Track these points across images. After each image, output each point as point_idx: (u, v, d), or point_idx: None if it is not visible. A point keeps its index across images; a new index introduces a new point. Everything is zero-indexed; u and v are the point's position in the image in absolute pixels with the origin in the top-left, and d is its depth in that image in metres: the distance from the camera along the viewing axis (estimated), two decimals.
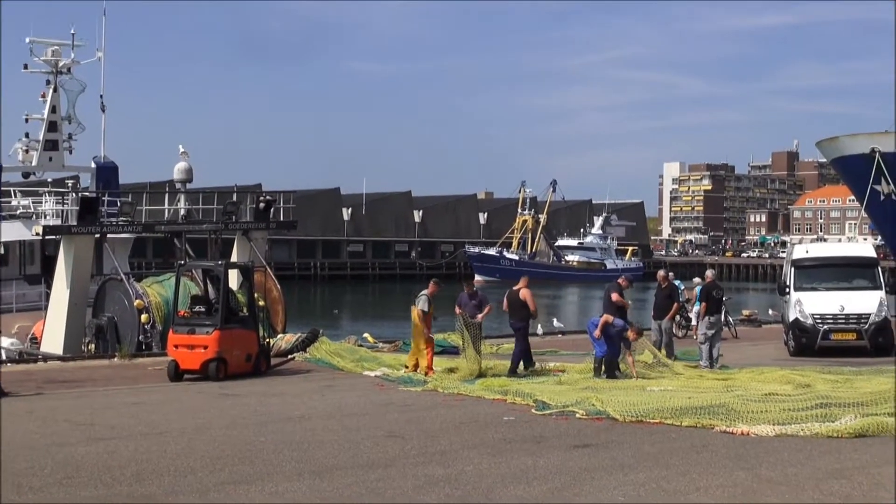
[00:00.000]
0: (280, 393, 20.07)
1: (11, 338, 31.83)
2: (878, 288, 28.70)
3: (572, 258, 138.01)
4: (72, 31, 37.55)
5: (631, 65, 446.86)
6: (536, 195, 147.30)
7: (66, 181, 37.34)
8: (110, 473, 12.07)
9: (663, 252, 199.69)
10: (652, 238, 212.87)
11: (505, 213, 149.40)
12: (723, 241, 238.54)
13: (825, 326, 27.56)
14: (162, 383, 21.85)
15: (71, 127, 38.02)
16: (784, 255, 44.19)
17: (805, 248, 31.71)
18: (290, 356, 26.21)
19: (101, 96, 38.55)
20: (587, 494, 11.02)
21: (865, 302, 27.89)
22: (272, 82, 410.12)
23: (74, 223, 31.45)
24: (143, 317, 29.53)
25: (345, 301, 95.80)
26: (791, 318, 28.23)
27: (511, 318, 23.31)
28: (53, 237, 32.51)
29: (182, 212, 35.87)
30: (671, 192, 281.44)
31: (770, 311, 43.15)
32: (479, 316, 22.78)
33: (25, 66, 37.46)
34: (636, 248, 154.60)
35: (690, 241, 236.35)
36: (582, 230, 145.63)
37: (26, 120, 38.07)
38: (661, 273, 26.72)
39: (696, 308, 28.33)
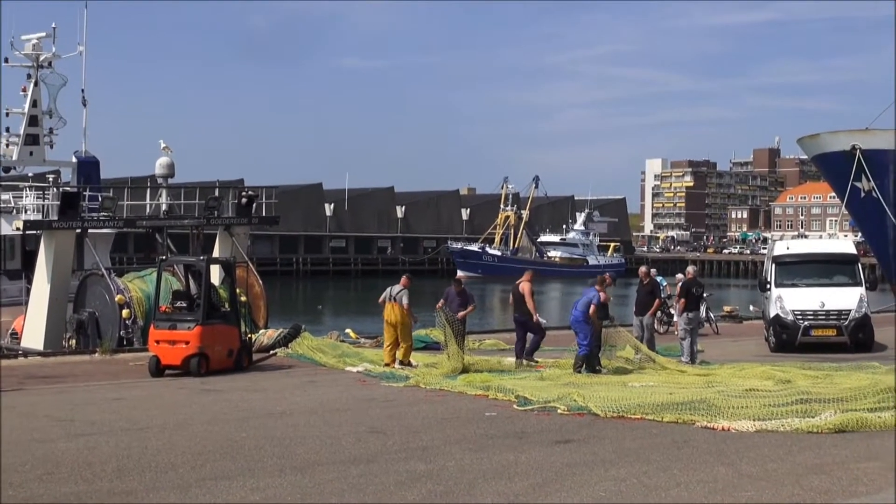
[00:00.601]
0: (262, 389, 20.04)
1: None
2: (858, 284, 28.85)
3: (554, 254, 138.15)
4: (53, 25, 37.34)
5: (614, 61, 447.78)
6: (519, 191, 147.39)
7: (47, 176, 37.02)
8: (91, 469, 12.04)
9: (645, 248, 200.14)
10: (634, 234, 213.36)
11: (487, 208, 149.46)
12: (704, 237, 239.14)
13: (806, 322, 27.69)
14: (143, 379, 21.78)
15: (52, 121, 37.78)
16: (765, 251, 44.30)
17: (786, 245, 31.84)
18: (271, 352, 26.17)
19: (83, 90, 38.39)
20: (568, 490, 11.05)
21: (846, 298, 28.03)
22: (255, 78, 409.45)
23: (55, 218, 31.27)
24: (125, 312, 29.41)
25: (327, 297, 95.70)
26: (772, 315, 28.34)
27: (515, 311, 23.48)
28: (34, 232, 32.32)
29: (164, 207, 35.74)
30: (653, 189, 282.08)
31: (751, 308, 43.28)
32: (460, 314, 22.94)
33: (6, 60, 37.24)
34: (618, 244, 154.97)
35: (672, 237, 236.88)
36: (564, 226, 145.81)
37: (7, 114, 37.83)
38: (642, 269, 26.79)
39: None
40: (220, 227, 34.81)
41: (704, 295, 32.37)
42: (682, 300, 24.86)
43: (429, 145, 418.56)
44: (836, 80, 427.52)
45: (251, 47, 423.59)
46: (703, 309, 31.47)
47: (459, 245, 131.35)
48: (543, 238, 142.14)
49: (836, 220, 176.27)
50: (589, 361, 21.79)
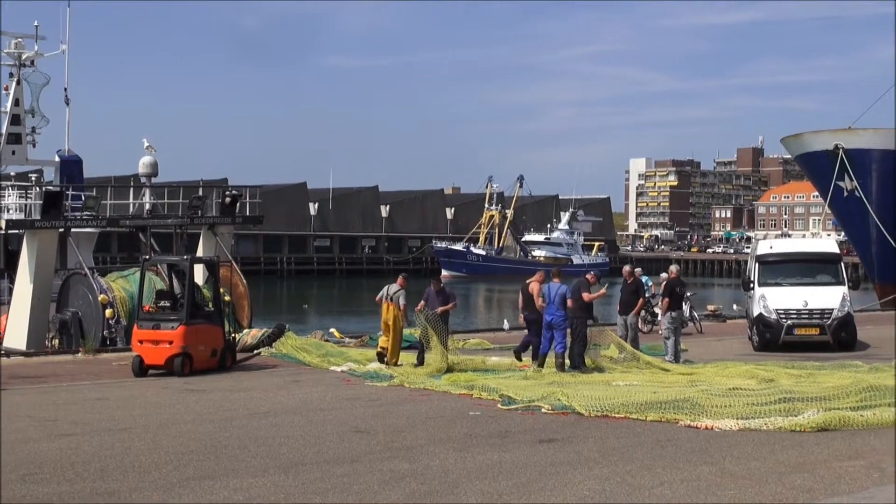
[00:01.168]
0: (246, 388, 20.01)
1: None
2: (840, 283, 28.95)
3: (539, 253, 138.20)
4: (35, 24, 37.17)
5: (598, 61, 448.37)
6: (503, 190, 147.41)
7: (30, 175, 36.90)
8: (73, 469, 12.00)
9: (629, 247, 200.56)
10: (618, 234, 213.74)
11: (472, 208, 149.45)
12: (688, 236, 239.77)
13: (789, 321, 27.76)
14: (126, 379, 21.71)
15: (34, 120, 37.59)
16: (749, 250, 44.46)
17: (769, 244, 31.91)
18: (255, 351, 26.13)
19: (66, 89, 38.19)
20: (552, 489, 11.06)
21: (828, 297, 28.12)
22: (239, 76, 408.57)
23: (38, 217, 31.16)
24: (108, 312, 29.34)
25: (311, 296, 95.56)
26: (755, 314, 28.42)
27: (525, 310, 23.50)
28: (17, 231, 32.19)
29: (147, 206, 35.65)
30: (637, 188, 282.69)
31: (734, 307, 43.46)
32: (440, 308, 22.93)
33: None
34: (602, 243, 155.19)
35: (656, 236, 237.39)
36: (549, 225, 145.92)
37: None
38: (626, 268, 26.83)
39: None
40: (204, 227, 34.73)
41: (688, 294, 32.49)
42: (666, 299, 24.91)
43: (413, 145, 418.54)
44: (819, 80, 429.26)
45: (236, 47, 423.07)
46: (686, 308, 31.59)
47: (444, 244, 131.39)
48: (528, 237, 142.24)
49: (819, 220, 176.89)
50: (573, 361, 21.91)
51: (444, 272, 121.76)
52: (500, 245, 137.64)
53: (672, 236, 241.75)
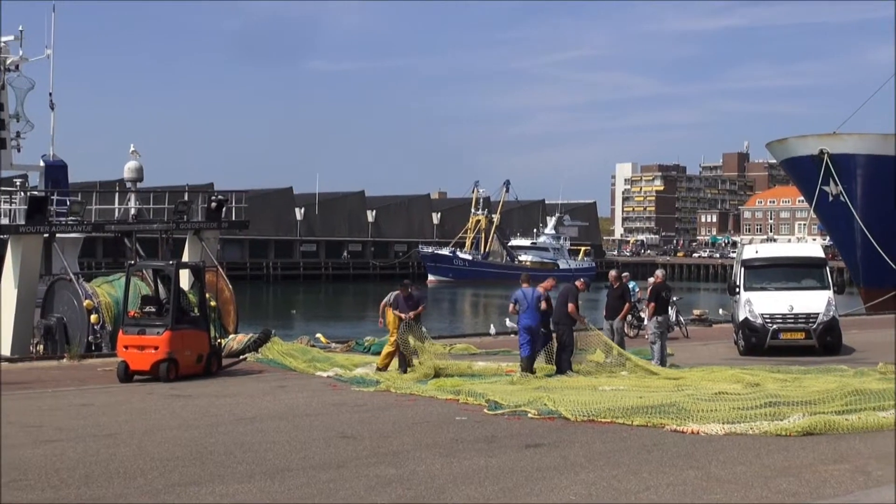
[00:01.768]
0: (232, 394, 19.95)
1: None
2: (826, 288, 29.04)
3: (525, 258, 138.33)
4: (20, 28, 37.07)
5: (584, 66, 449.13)
6: (490, 195, 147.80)
7: (14, 180, 36.83)
8: (58, 476, 11.94)
9: (615, 252, 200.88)
10: (605, 238, 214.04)
11: (458, 213, 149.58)
12: (674, 241, 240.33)
13: (774, 326, 27.82)
14: (112, 384, 21.64)
15: (19, 125, 37.47)
16: (734, 255, 44.59)
17: (755, 249, 32.00)
18: (241, 357, 26.08)
19: (51, 94, 38.13)
20: (539, 494, 11.05)
21: (814, 302, 28.20)
22: (225, 81, 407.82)
23: (23, 223, 31.06)
24: (93, 317, 29.25)
25: (297, 301, 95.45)
26: (741, 318, 28.48)
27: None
28: (1, 237, 32.08)
29: (132, 211, 35.58)
30: (623, 193, 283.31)
31: (720, 311, 43.54)
32: (411, 314, 22.89)
33: None
34: (589, 248, 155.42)
35: (641, 241, 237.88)
36: (535, 230, 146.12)
37: None
38: (612, 273, 26.85)
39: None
40: (190, 232, 34.68)
41: (674, 298, 32.54)
42: (652, 304, 24.94)
43: (399, 149, 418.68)
44: (804, 85, 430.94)
45: (221, 50, 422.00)
46: (672, 313, 31.63)
47: (430, 249, 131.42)
48: (514, 242, 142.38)
49: (804, 224, 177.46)
50: (559, 366, 21.97)
51: (430, 277, 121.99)
52: (487, 250, 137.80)
53: (657, 241, 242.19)
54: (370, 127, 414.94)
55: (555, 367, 22.33)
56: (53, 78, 38.27)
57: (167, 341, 22.07)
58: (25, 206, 31.13)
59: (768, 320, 27.88)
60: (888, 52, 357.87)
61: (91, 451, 13.58)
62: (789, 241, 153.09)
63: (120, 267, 32.45)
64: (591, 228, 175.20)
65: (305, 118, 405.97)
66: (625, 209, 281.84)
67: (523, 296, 22.48)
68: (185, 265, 27.02)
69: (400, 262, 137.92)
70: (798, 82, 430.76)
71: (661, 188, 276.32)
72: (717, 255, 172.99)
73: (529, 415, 16.45)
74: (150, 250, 37.74)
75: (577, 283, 23.55)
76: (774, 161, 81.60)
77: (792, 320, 27.89)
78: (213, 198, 35.84)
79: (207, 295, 25.61)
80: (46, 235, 31.62)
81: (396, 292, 23.63)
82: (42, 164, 37.56)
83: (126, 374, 22.03)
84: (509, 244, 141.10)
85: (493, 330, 35.51)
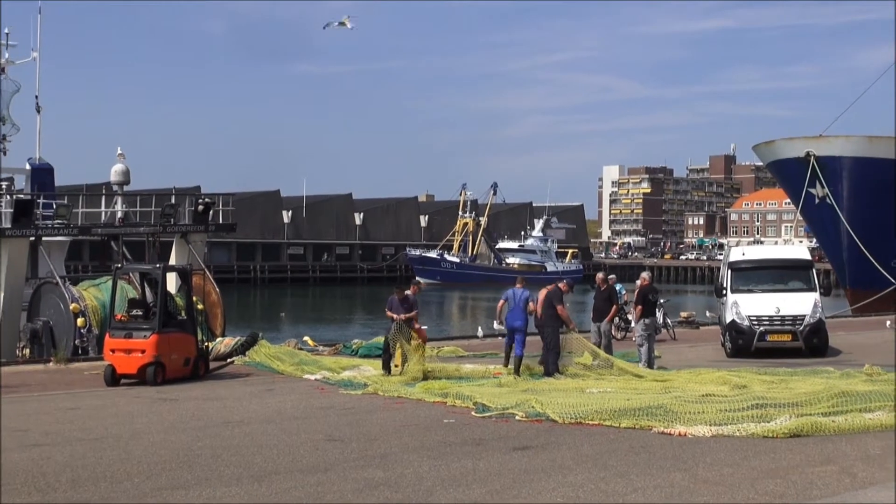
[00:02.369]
0: (219, 397, 19.92)
1: None
2: (812, 290, 29.13)
3: (513, 261, 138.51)
4: (6, 31, 36.96)
5: (571, 68, 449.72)
6: (477, 198, 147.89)
7: (0, 183, 36.66)
8: (45, 480, 11.91)
9: (602, 254, 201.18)
10: (592, 241, 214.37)
11: (446, 215, 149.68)
12: (661, 243, 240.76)
13: (761, 328, 27.89)
14: (98, 388, 21.58)
15: (5, 128, 37.35)
16: (721, 257, 44.68)
17: (741, 251, 32.10)
18: (229, 360, 26.02)
19: (37, 97, 38.03)
20: (526, 496, 11.06)
21: (800, 304, 28.27)
22: (211, 83, 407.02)
23: (8, 226, 30.92)
24: (80, 321, 29.15)
25: (285, 304, 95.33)
26: (728, 320, 28.55)
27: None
28: None
29: (119, 214, 35.47)
30: (610, 195, 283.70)
31: (707, 313, 43.59)
32: (403, 315, 22.97)
33: None
34: (576, 250, 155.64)
35: (628, 243, 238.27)
36: (522, 233, 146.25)
37: None
38: (600, 275, 26.89)
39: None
40: (177, 235, 34.60)
41: (661, 301, 32.59)
42: (639, 307, 24.97)
43: (387, 152, 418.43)
44: (791, 87, 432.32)
45: (206, 52, 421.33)
46: (659, 315, 31.68)
47: (418, 252, 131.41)
48: (502, 245, 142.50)
49: (791, 226, 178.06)
50: (546, 369, 22.02)
51: (418, 279, 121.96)
52: (474, 252, 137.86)
53: (643, 243, 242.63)
54: (357, 129, 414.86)
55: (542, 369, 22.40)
56: (40, 81, 38.20)
57: (154, 345, 22.02)
58: (11, 210, 31.01)
59: (755, 322, 27.96)
60: (874, 54, 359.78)
61: (78, 454, 13.54)
62: (776, 243, 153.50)
63: (107, 270, 32.36)
64: (579, 231, 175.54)
65: (293, 121, 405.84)
66: (612, 211, 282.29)
67: (513, 295, 22.62)
68: (172, 268, 26.98)
69: (387, 265, 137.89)
70: (785, 85, 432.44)
71: (649, 190, 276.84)
72: (704, 258, 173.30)
73: (517, 417, 16.47)
74: (136, 253, 37.64)
75: (560, 284, 23.53)
76: (761, 163, 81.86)
77: (779, 322, 27.97)
78: (200, 201, 35.74)
79: (195, 298, 25.55)
80: (33, 239, 31.50)
81: (408, 291, 23.79)
82: (28, 167, 37.45)
83: (113, 378, 21.97)
84: (497, 247, 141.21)
85: (480, 332, 35.49)
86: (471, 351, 29.55)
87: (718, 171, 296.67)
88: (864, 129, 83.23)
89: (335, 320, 73.22)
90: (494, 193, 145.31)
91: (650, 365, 24.03)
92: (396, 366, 23.17)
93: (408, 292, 24.04)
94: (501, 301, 23.48)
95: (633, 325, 27.86)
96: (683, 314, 41.65)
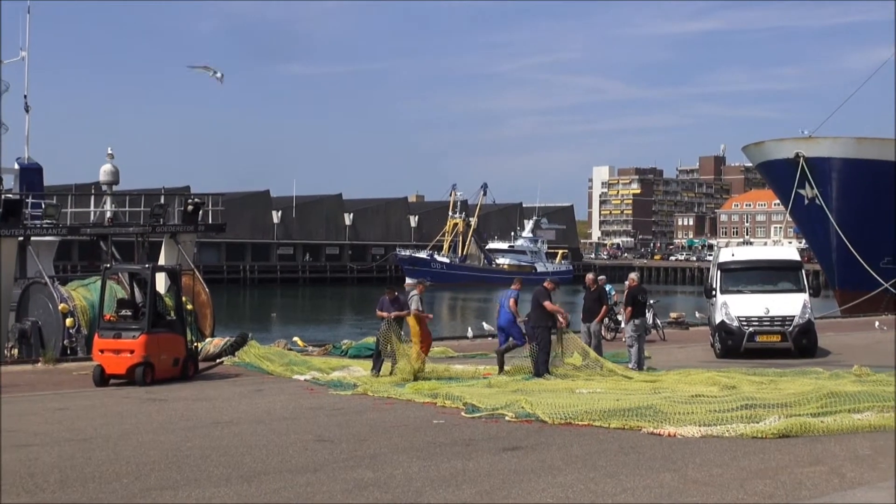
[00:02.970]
0: (208, 397, 19.89)
1: None
2: (802, 291, 29.19)
3: (503, 261, 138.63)
4: None
5: (561, 69, 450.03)
6: (467, 198, 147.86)
7: None
8: (33, 480, 11.87)
9: (593, 255, 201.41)
10: (582, 241, 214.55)
11: (436, 216, 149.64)
12: (651, 244, 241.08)
13: (750, 329, 27.94)
14: (87, 388, 21.53)
15: None
16: (711, 258, 44.77)
17: (731, 252, 32.16)
18: (218, 360, 25.99)
19: (25, 96, 37.96)
20: (516, 497, 11.06)
21: (790, 304, 28.33)
22: (201, 83, 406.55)
23: None
24: (68, 321, 29.07)
25: (274, 304, 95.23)
26: (717, 321, 28.60)
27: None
28: None
29: (108, 214, 35.40)
30: (601, 196, 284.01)
31: (697, 314, 43.69)
32: (393, 314, 23.02)
33: None
34: (566, 251, 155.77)
35: (617, 244, 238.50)
36: (512, 233, 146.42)
37: None
38: (589, 276, 26.91)
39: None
40: (166, 235, 34.54)
41: (651, 302, 32.64)
42: (629, 308, 24.99)
43: (377, 152, 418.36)
44: (780, 89, 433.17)
45: (195, 52, 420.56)
46: (649, 315, 31.72)
47: (408, 252, 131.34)
48: (492, 245, 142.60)
49: (780, 227, 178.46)
50: (537, 367, 22.06)
51: (408, 280, 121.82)
52: (464, 253, 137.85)
53: (632, 244, 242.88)
54: (347, 130, 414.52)
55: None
56: (28, 80, 38.11)
57: (143, 345, 21.98)
58: (0, 210, 30.91)
59: (744, 323, 28.01)
60: (861, 56, 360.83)
61: (66, 455, 13.50)
62: (765, 244, 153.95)
63: (96, 270, 32.32)
64: (569, 231, 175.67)
65: (283, 121, 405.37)
66: (602, 212, 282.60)
67: (502, 296, 22.80)
68: (161, 268, 26.93)
69: (377, 266, 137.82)
70: (774, 86, 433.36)
71: (638, 191, 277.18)
72: (694, 258, 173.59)
73: (507, 418, 16.46)
74: (126, 254, 37.57)
75: (546, 283, 23.53)
76: (750, 164, 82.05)
77: (768, 323, 28.03)
78: (190, 201, 35.69)
79: (184, 298, 25.51)
80: (21, 238, 31.41)
81: (415, 291, 23.90)
82: (17, 166, 37.36)
83: (102, 378, 21.92)
84: (487, 247, 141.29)
85: (470, 333, 35.52)
86: (460, 352, 29.56)
87: (708, 172, 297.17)
88: (853, 131, 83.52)
89: (325, 321, 73.15)
90: (484, 194, 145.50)
91: (640, 366, 24.06)
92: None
93: (398, 293, 24.08)
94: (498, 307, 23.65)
95: (622, 325, 27.90)
96: (673, 315, 41.71)
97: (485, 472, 12.34)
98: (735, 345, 27.93)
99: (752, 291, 29.11)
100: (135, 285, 24.45)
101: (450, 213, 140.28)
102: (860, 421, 15.37)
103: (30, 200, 33.44)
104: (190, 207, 35.21)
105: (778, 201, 78.49)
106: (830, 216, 56.01)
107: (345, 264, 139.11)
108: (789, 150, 57.15)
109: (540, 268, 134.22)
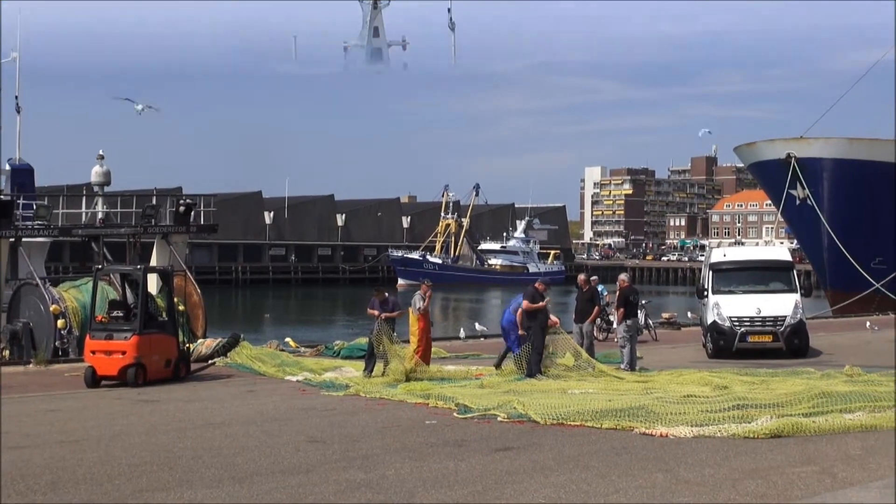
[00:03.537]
0: (200, 399, 19.87)
1: None
2: (793, 291, 29.25)
3: (495, 262, 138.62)
4: None
5: (554, 70, 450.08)
6: (459, 199, 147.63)
7: None
8: (25, 482, 11.84)
9: (585, 255, 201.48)
10: (574, 242, 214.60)
11: (428, 216, 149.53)
12: (643, 244, 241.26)
13: (742, 329, 27.99)
14: (79, 390, 21.49)
15: None
16: (703, 258, 44.83)
17: (723, 252, 32.20)
18: (210, 361, 25.97)
19: (17, 97, 37.89)
20: (508, 497, 11.06)
21: (781, 304, 28.38)
22: (193, 83, 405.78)
23: None
24: (60, 322, 29.02)
25: (266, 305, 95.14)
26: (709, 321, 28.64)
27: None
28: None
29: (100, 215, 35.34)
30: (592, 197, 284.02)
31: (689, 314, 43.69)
32: (385, 314, 23.03)
33: None
34: (558, 251, 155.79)
35: (609, 244, 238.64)
36: (505, 234, 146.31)
37: None
38: (581, 277, 26.94)
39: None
40: (158, 236, 34.49)
41: (643, 302, 32.67)
42: (621, 309, 25.01)
43: (369, 153, 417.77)
44: (772, 89, 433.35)
45: (189, 52, 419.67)
46: (641, 316, 31.76)
47: (400, 253, 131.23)
48: (484, 246, 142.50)
49: (772, 228, 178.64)
50: (530, 367, 22.08)
51: (400, 281, 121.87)
52: (457, 254, 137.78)
53: (623, 244, 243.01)
54: (340, 131, 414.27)
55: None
56: (20, 81, 38.06)
57: (135, 346, 21.95)
58: None
59: (736, 323, 28.05)
60: (855, 56, 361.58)
61: (58, 457, 13.47)
62: (757, 244, 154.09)
63: (87, 271, 32.26)
64: (561, 232, 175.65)
65: (275, 122, 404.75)
66: (594, 213, 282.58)
67: (516, 300, 23.32)
68: (153, 269, 26.87)
69: (370, 266, 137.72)
70: (766, 87, 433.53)
71: (630, 192, 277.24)
72: (686, 259, 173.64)
73: (499, 418, 16.47)
74: (117, 255, 37.50)
75: (537, 284, 23.62)
76: (742, 165, 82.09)
77: (760, 323, 28.07)
78: (182, 202, 35.63)
79: (176, 299, 25.49)
80: (12, 240, 31.35)
81: (419, 291, 23.98)
82: (8, 167, 37.26)
83: (93, 380, 21.89)
84: (479, 248, 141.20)
85: (462, 334, 35.52)
86: (453, 352, 29.56)
87: (700, 173, 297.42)
88: (844, 131, 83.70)
89: (317, 321, 73.07)
90: (477, 195, 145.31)
91: (632, 366, 24.08)
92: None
93: (387, 294, 24.10)
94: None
95: (615, 326, 27.92)
96: (665, 315, 41.75)
97: (477, 472, 12.34)
98: (727, 345, 27.97)
99: (744, 292, 29.16)
100: (126, 286, 24.45)
101: (442, 214, 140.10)
102: (852, 421, 15.40)
103: (21, 201, 33.37)
104: (182, 208, 35.16)
105: (769, 202, 78.59)
106: (822, 216, 56.11)
107: (337, 265, 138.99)
108: (781, 151, 57.23)
109: (532, 268, 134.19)
